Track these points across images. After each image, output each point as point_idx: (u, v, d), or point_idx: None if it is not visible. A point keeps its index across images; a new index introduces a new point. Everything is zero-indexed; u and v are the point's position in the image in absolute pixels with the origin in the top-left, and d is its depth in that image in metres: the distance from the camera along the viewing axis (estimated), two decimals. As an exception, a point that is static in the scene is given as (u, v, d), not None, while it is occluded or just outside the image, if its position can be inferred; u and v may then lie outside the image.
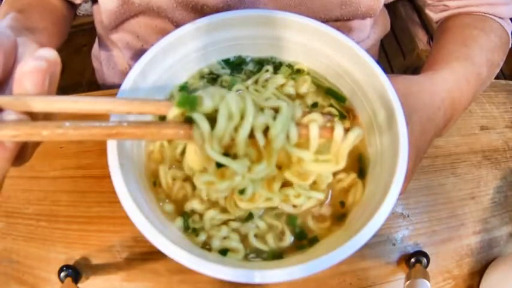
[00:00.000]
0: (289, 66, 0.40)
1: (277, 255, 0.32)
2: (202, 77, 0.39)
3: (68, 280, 0.40)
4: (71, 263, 0.44)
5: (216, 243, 0.32)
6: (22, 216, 0.47)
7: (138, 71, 0.33)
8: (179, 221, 0.33)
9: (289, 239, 0.33)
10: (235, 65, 0.40)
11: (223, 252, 0.32)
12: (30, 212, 0.47)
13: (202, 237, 0.32)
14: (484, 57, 0.49)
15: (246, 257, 0.32)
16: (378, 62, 0.36)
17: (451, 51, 0.49)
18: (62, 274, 0.41)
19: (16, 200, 0.48)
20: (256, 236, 0.33)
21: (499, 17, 0.54)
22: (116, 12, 0.54)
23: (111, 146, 0.29)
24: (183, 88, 0.38)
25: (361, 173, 0.35)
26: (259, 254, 0.32)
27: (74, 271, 0.42)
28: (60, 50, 0.30)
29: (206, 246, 0.32)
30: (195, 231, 0.32)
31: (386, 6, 0.67)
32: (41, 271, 0.44)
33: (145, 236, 0.26)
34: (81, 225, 0.46)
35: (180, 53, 0.37)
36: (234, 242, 0.32)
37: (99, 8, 0.56)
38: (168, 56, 0.36)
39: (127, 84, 0.32)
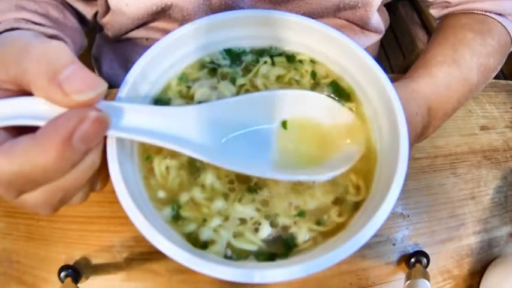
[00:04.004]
0: (292, 56, 0.40)
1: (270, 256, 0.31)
2: (202, 65, 0.39)
3: (68, 280, 0.40)
4: (71, 263, 0.44)
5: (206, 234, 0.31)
6: (22, 216, 0.47)
7: (138, 71, 0.32)
8: (168, 210, 0.32)
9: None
10: (236, 56, 0.40)
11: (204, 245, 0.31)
12: (30, 212, 0.47)
13: (190, 227, 0.31)
14: (476, 61, 0.48)
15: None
16: (378, 61, 0.36)
17: (435, 55, 0.48)
18: (62, 274, 0.41)
19: (16, 200, 0.48)
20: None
21: (503, 14, 0.52)
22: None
23: (111, 145, 0.29)
24: (182, 79, 0.38)
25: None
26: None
27: (74, 271, 0.41)
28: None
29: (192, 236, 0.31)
30: (184, 220, 0.32)
31: (386, 6, 0.67)
32: (41, 271, 0.44)
33: (145, 236, 0.26)
34: (81, 225, 0.46)
35: (179, 53, 0.37)
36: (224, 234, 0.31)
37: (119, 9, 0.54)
38: (168, 55, 0.36)
39: (126, 83, 0.32)
